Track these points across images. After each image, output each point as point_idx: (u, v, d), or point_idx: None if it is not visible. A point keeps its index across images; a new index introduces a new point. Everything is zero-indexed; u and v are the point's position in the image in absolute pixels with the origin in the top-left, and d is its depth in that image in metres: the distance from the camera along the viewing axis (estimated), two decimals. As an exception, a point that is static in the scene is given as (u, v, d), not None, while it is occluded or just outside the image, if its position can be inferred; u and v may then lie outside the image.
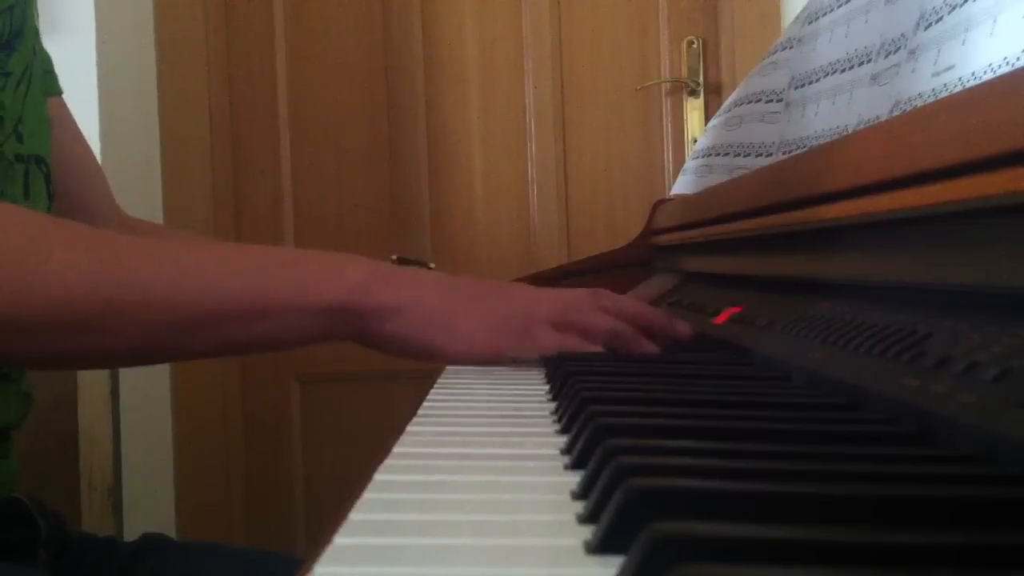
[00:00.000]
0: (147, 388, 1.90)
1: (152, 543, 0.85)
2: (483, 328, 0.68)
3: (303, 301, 0.66)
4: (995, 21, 0.58)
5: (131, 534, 0.87)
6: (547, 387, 0.62)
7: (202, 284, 0.64)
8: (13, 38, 0.77)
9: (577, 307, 0.72)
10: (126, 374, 1.84)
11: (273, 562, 0.85)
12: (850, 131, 0.80)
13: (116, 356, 0.71)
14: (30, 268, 0.60)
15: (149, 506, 1.90)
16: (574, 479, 0.37)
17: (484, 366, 0.70)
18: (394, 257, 1.07)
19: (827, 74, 0.91)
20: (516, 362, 0.70)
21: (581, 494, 0.35)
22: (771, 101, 1.10)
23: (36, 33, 0.83)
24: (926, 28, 0.69)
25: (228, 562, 0.86)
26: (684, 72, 2.10)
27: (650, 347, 0.72)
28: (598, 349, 0.70)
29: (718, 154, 1.24)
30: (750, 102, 1.17)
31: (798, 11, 1.09)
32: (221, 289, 0.65)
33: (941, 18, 0.66)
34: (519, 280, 1.15)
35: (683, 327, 0.76)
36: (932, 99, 0.64)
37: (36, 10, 0.83)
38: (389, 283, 0.68)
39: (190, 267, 0.65)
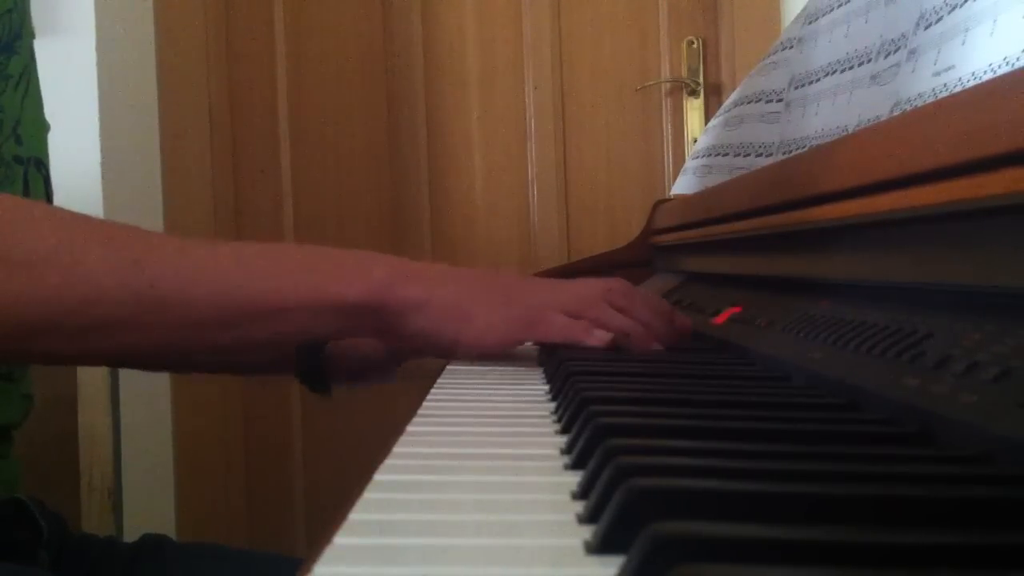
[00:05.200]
0: (147, 388, 1.90)
1: (153, 543, 0.85)
2: (500, 319, 0.70)
3: (329, 298, 0.66)
4: (995, 21, 0.58)
5: (131, 535, 0.87)
6: (547, 387, 0.62)
7: (230, 282, 0.65)
8: (12, 41, 0.77)
9: (591, 303, 0.73)
10: (126, 374, 1.83)
11: (273, 562, 0.86)
12: (850, 131, 0.80)
13: (142, 355, 0.71)
14: (64, 268, 0.61)
15: (149, 507, 1.89)
16: (574, 479, 0.37)
17: (498, 358, 0.71)
18: None
19: (827, 74, 0.91)
20: (520, 356, 0.71)
21: (581, 494, 0.35)
22: (771, 101, 1.10)
23: (32, 35, 0.83)
24: (926, 28, 0.69)
25: (228, 563, 0.86)
26: (684, 72, 2.10)
27: (656, 346, 0.73)
28: (604, 343, 0.70)
29: (718, 154, 1.24)
30: (750, 102, 1.17)
31: (798, 11, 1.09)
32: (248, 287, 0.65)
33: (941, 18, 0.66)
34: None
35: (684, 339, 0.77)
36: (932, 99, 0.64)
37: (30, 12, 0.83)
38: (412, 279, 0.69)
39: (218, 265, 0.66)
